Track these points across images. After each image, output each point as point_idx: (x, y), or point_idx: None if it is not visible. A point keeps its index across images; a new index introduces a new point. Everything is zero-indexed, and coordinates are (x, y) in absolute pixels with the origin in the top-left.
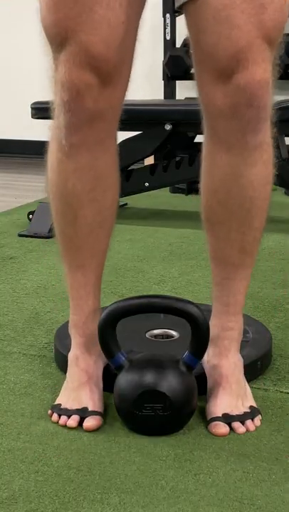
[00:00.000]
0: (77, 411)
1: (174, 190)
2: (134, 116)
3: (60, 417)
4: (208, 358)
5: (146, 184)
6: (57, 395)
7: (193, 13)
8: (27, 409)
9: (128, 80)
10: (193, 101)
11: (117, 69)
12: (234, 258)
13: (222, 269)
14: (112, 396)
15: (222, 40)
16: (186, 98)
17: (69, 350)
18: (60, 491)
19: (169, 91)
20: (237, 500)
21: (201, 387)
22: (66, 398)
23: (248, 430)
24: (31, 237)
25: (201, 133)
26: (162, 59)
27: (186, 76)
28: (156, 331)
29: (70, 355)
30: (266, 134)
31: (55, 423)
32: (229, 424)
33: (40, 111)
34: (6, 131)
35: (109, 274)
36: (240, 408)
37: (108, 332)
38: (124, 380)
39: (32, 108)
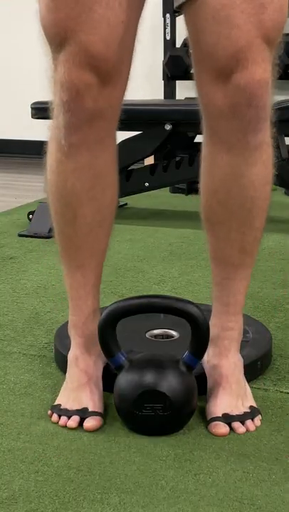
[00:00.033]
0: (77, 412)
1: (174, 190)
2: (134, 116)
3: (60, 418)
4: (208, 358)
5: (146, 184)
6: (57, 395)
7: (192, 13)
8: (27, 409)
9: (127, 79)
10: (193, 101)
11: (116, 68)
12: (234, 258)
13: (222, 269)
14: (112, 396)
15: (221, 39)
16: (186, 98)
17: (69, 350)
18: (60, 491)
19: (169, 91)
20: (237, 500)
21: (201, 387)
22: (66, 398)
23: (248, 430)
24: (31, 237)
25: (201, 133)
26: (162, 59)
27: (186, 76)
28: (156, 331)
29: (70, 356)
30: (266, 133)
31: (55, 423)
32: (229, 424)
33: (40, 111)
34: (6, 131)
35: (109, 274)
36: (240, 408)
37: (108, 332)
38: (124, 380)
39: (32, 108)
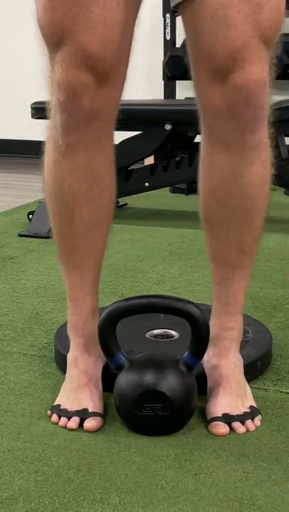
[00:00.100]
0: (77, 412)
1: (174, 190)
2: (134, 116)
3: (59, 418)
4: (208, 358)
5: (146, 184)
6: (57, 395)
7: (190, 12)
8: (27, 409)
9: (124, 79)
10: (193, 101)
11: (113, 68)
12: (233, 258)
13: (221, 269)
14: (112, 396)
15: (219, 39)
16: (186, 98)
17: (69, 350)
18: (60, 491)
19: (169, 91)
20: (237, 500)
21: (201, 387)
22: (66, 399)
23: (248, 430)
24: (31, 237)
25: (200, 133)
26: (162, 59)
27: (186, 76)
28: (156, 331)
29: (69, 356)
30: (264, 133)
31: (55, 424)
32: (229, 424)
33: (40, 111)
34: (6, 131)
35: (109, 274)
36: (240, 408)
37: (108, 332)
38: (124, 380)
39: (32, 108)
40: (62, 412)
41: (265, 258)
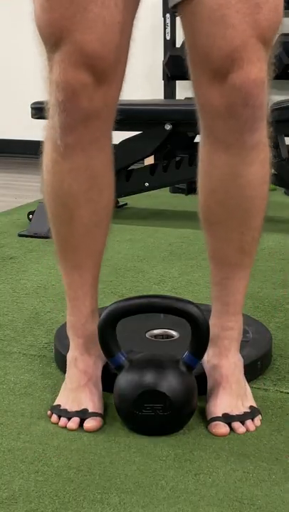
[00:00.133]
0: (76, 413)
1: (174, 190)
2: (134, 116)
3: (59, 419)
4: (208, 358)
5: (146, 184)
6: (57, 395)
7: (188, 13)
8: (27, 409)
9: (123, 79)
10: (193, 101)
11: (112, 68)
12: (233, 258)
13: (221, 269)
14: (112, 396)
15: (217, 39)
16: (186, 98)
17: (69, 351)
18: (60, 491)
19: (169, 91)
20: (237, 500)
21: (201, 387)
22: (65, 399)
23: (248, 430)
24: (31, 237)
25: None
26: (162, 59)
27: (186, 76)
28: (156, 331)
29: (69, 357)
30: (263, 133)
31: (54, 424)
32: (229, 424)
33: (40, 111)
34: (6, 131)
35: (109, 274)
36: (240, 408)
37: (108, 332)
38: (124, 380)
39: (32, 108)
40: (62, 412)
41: (265, 258)
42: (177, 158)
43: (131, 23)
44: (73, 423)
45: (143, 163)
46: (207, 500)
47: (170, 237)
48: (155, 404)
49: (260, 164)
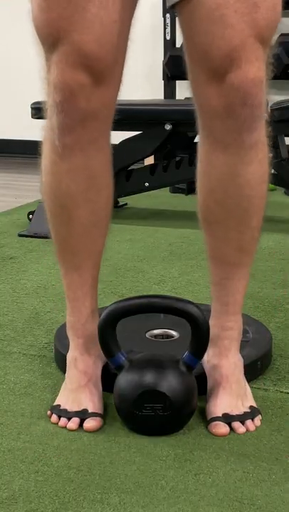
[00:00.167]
0: (76, 413)
1: (174, 190)
2: (134, 116)
3: (59, 419)
4: (208, 358)
5: (146, 184)
6: (57, 395)
7: (186, 12)
8: (27, 409)
9: (121, 79)
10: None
11: (109, 68)
12: (232, 257)
13: (220, 269)
14: (112, 396)
15: (216, 39)
16: (186, 98)
17: (69, 351)
18: (60, 491)
19: (169, 91)
20: (237, 500)
21: (201, 387)
22: (65, 399)
23: (248, 430)
24: (31, 237)
25: None
26: (162, 59)
27: (186, 76)
28: (156, 331)
29: (69, 357)
30: (261, 132)
31: (54, 424)
32: (229, 424)
33: (40, 111)
34: (6, 131)
35: (109, 274)
36: (240, 408)
37: (108, 332)
38: (124, 380)
39: (32, 108)
40: (62, 413)
41: (265, 258)
42: (177, 158)
43: (129, 23)
44: (73, 423)
45: (143, 163)
46: (207, 500)
47: (170, 237)
48: (155, 404)
49: (259, 163)
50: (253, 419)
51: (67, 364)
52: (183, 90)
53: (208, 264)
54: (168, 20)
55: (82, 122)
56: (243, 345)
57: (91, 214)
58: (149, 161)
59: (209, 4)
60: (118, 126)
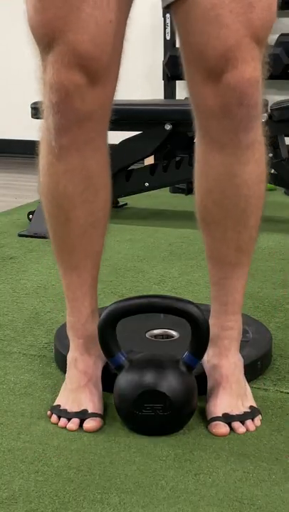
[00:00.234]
0: (76, 414)
1: (174, 190)
2: (134, 116)
3: (59, 419)
4: (208, 357)
5: (146, 184)
6: (57, 395)
7: (182, 13)
8: (27, 409)
9: (117, 80)
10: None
11: (105, 68)
12: (231, 257)
13: (219, 269)
14: (112, 396)
15: (211, 39)
16: (186, 98)
17: (69, 351)
18: (60, 491)
19: (169, 91)
20: (237, 500)
21: (201, 387)
22: (65, 399)
23: (248, 430)
24: (31, 237)
25: None
26: (162, 59)
27: None
28: (156, 331)
29: (69, 357)
30: (258, 132)
31: (54, 424)
32: (229, 424)
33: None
34: (6, 131)
35: (109, 274)
36: (240, 408)
37: (108, 332)
38: (124, 380)
39: (32, 108)
40: (61, 413)
41: (265, 258)
42: (177, 158)
43: (124, 23)
44: (73, 424)
45: (143, 163)
46: (207, 500)
47: (170, 237)
48: (155, 404)
49: (256, 163)
50: (253, 419)
51: (68, 364)
52: (183, 90)
53: (207, 264)
54: (168, 20)
55: (79, 123)
56: (243, 345)
57: (88, 214)
58: (149, 161)
59: (205, 4)
60: (118, 126)
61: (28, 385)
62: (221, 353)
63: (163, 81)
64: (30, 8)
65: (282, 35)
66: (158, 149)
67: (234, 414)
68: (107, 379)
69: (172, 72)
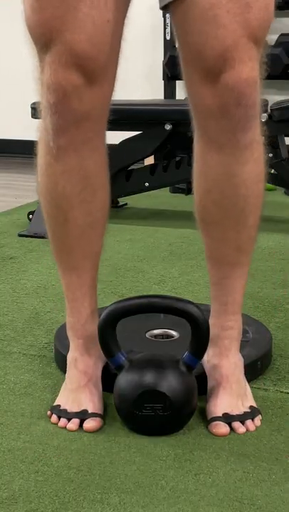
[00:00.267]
0: (76, 414)
1: (174, 190)
2: (134, 116)
3: (59, 419)
4: (209, 357)
5: (146, 184)
6: (57, 395)
7: (180, 13)
8: (27, 409)
9: (114, 80)
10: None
11: (102, 68)
12: (230, 257)
13: (219, 269)
14: (112, 396)
15: (209, 39)
16: (186, 98)
17: (69, 351)
18: (60, 491)
19: (169, 91)
20: (237, 500)
21: (201, 387)
22: (65, 399)
23: (248, 430)
24: (31, 237)
25: None
26: (162, 59)
27: None
28: (156, 331)
29: (69, 357)
30: (256, 132)
31: (54, 424)
32: (229, 424)
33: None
34: (6, 131)
35: (109, 274)
36: (240, 408)
37: (108, 332)
38: (124, 380)
39: (32, 108)
40: (61, 413)
41: (265, 258)
42: (177, 158)
43: (122, 23)
44: (73, 424)
45: (143, 163)
46: (207, 500)
47: (170, 237)
48: (155, 404)
49: (254, 163)
50: (253, 419)
51: (68, 364)
52: (183, 90)
53: (207, 264)
54: (168, 21)
55: (76, 123)
56: (243, 345)
57: (87, 215)
58: (149, 161)
59: (203, 4)
60: (118, 126)
61: (28, 385)
62: (221, 353)
63: (163, 81)
64: (28, 7)
65: (282, 35)
66: (158, 149)
67: (234, 414)
68: (107, 379)
69: (172, 72)
